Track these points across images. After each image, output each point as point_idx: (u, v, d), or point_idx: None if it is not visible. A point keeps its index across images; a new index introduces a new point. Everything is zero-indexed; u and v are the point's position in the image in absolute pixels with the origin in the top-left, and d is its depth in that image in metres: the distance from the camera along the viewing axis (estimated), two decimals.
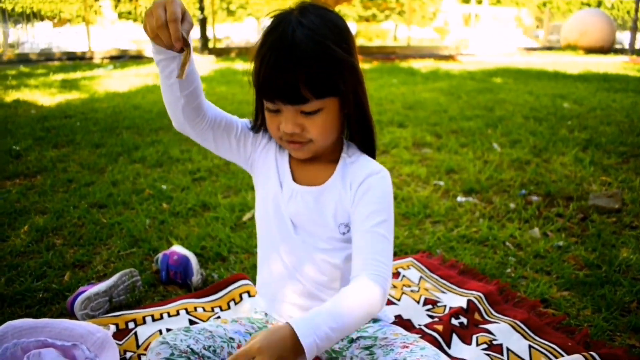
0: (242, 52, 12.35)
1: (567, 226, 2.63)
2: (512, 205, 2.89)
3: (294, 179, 1.41)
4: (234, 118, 1.44)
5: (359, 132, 1.39)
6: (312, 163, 1.40)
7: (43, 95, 6.44)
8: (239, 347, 1.40)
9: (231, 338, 1.40)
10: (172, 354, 1.31)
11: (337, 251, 1.40)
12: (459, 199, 2.99)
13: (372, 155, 1.43)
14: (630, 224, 2.65)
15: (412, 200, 2.92)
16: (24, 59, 11.59)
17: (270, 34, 1.25)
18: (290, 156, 1.43)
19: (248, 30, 16.38)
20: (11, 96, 6.24)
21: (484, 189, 3.14)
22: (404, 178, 3.34)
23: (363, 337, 1.39)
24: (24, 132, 4.44)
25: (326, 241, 1.39)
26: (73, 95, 6.44)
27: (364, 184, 1.34)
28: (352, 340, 1.39)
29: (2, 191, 3.06)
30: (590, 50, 13.10)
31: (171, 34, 1.12)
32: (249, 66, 1.29)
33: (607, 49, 13.16)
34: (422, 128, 4.65)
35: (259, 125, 1.43)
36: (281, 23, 1.24)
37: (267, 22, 1.29)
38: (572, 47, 13.62)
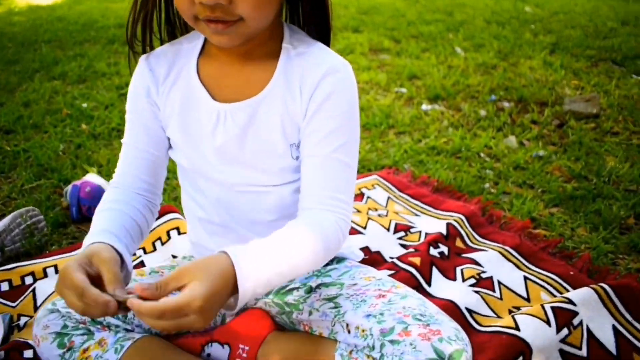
0: None
1: (544, 134, 2.37)
2: (482, 113, 2.60)
3: (215, 98, 0.99)
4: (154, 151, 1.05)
5: (308, 8, 0.98)
6: (239, 64, 0.98)
7: None
8: None
9: None
10: (65, 326, 0.98)
11: (288, 184, 1.02)
12: (424, 106, 2.67)
13: (327, 42, 1.01)
14: (611, 129, 2.42)
15: (372, 109, 2.59)
16: None
17: None
18: (198, 70, 1.00)
19: None
20: None
21: (450, 95, 2.83)
22: (362, 85, 2.99)
23: (325, 284, 1.05)
24: None
25: (275, 174, 1.01)
26: None
27: (321, 89, 0.94)
28: (310, 290, 1.05)
29: None
30: None
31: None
32: None
33: None
34: (379, 33, 4.27)
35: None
36: None
37: None
38: None
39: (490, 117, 2.55)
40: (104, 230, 0.91)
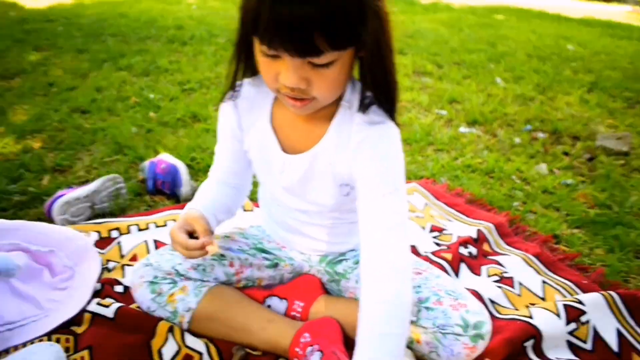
0: None
1: (575, 165, 2.52)
2: (517, 140, 2.76)
3: (283, 147, 1.16)
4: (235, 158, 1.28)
5: (373, 83, 1.06)
6: (304, 120, 1.13)
7: None
8: (230, 265, 1.28)
9: (222, 255, 1.28)
10: (156, 277, 1.21)
11: (341, 210, 1.22)
12: (462, 129, 2.85)
13: (390, 114, 1.09)
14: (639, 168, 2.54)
15: (413, 126, 2.77)
16: None
17: None
18: (271, 118, 1.17)
19: None
20: None
21: (487, 121, 3.00)
22: (405, 104, 3.18)
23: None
24: (2, 34, 4.17)
25: (327, 205, 1.20)
26: (56, 0, 6.08)
27: (363, 146, 1.07)
28: (357, 262, 1.26)
29: None
30: None
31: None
32: None
33: None
34: (423, 57, 4.46)
35: (236, 85, 1.15)
36: None
37: None
38: None
39: (524, 144, 2.70)
40: (197, 201, 1.24)
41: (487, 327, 1.08)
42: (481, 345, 1.07)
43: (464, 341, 1.06)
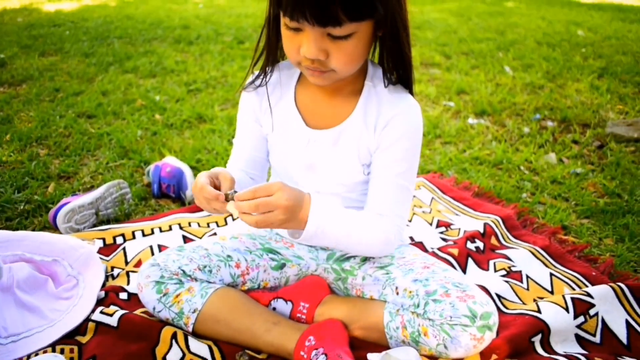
0: None
1: (584, 153, 2.48)
2: (526, 130, 2.73)
3: (307, 123, 1.23)
4: (254, 144, 1.32)
5: (391, 61, 1.16)
6: (328, 97, 1.21)
7: (30, 3, 6.12)
8: (237, 266, 1.28)
9: (229, 256, 1.28)
10: (162, 277, 1.20)
11: (355, 191, 1.27)
12: (470, 120, 2.83)
13: (410, 91, 1.20)
14: None
15: None
16: None
17: None
18: (295, 97, 1.24)
19: None
20: None
21: (496, 111, 2.97)
22: None
23: (379, 255, 1.26)
24: (10, 40, 4.20)
25: (348, 185, 1.26)
26: (62, 5, 6.13)
27: (390, 127, 1.17)
28: (365, 259, 1.27)
29: None
30: None
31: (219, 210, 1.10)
32: None
33: None
34: (431, 48, 4.43)
35: (267, 67, 1.23)
36: None
37: None
38: None
39: (533, 134, 2.68)
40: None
41: (494, 318, 1.07)
42: (488, 337, 1.07)
43: (472, 332, 1.05)
